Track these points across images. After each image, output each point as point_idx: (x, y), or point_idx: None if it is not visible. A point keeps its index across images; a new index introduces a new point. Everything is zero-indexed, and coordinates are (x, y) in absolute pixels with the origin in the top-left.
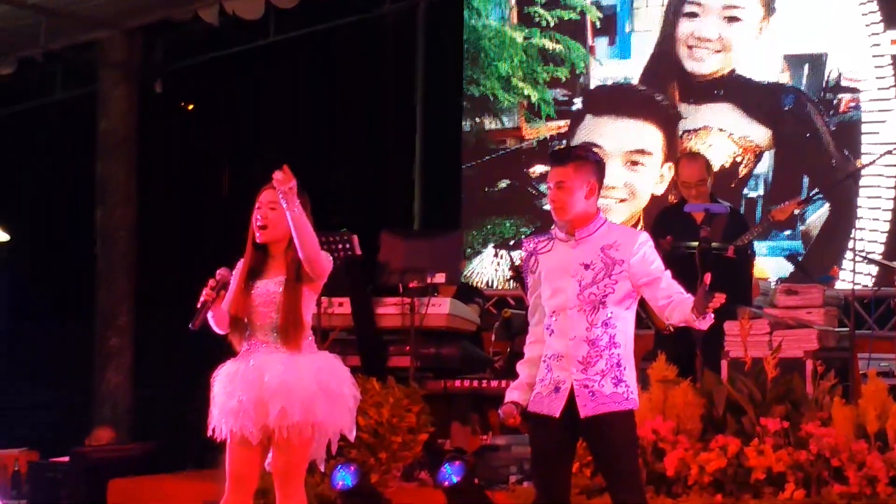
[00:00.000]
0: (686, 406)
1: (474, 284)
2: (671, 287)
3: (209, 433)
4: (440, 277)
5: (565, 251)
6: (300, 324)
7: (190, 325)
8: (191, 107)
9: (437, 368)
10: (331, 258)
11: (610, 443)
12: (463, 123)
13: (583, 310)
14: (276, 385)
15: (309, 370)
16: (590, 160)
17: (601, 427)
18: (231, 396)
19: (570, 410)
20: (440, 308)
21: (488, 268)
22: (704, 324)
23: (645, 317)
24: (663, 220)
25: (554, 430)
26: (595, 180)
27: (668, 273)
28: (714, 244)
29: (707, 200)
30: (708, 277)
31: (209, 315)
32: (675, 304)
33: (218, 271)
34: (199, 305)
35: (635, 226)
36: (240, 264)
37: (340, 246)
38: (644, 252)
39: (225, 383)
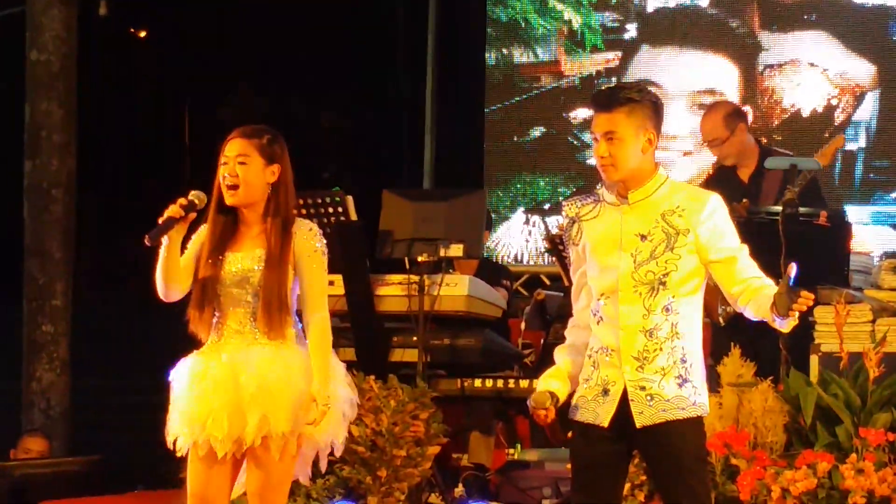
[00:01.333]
0: (766, 414)
1: (500, 259)
2: (749, 268)
3: (167, 445)
4: (457, 250)
5: (616, 218)
6: (285, 309)
7: (146, 239)
8: (143, 34)
9: (452, 364)
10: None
11: (672, 458)
12: (486, 55)
13: (638, 292)
14: (255, 387)
15: (297, 368)
16: (646, 102)
17: (661, 439)
18: (197, 400)
19: (623, 418)
20: (457, 288)
21: (517, 238)
22: (786, 325)
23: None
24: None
25: (602, 443)
26: (653, 128)
27: (746, 249)
28: (802, 209)
29: (740, 160)
30: (793, 269)
31: (161, 255)
32: (751, 295)
33: (192, 192)
34: (160, 221)
35: (704, 186)
36: (199, 234)
37: (331, 209)
38: (716, 220)
39: (188, 383)
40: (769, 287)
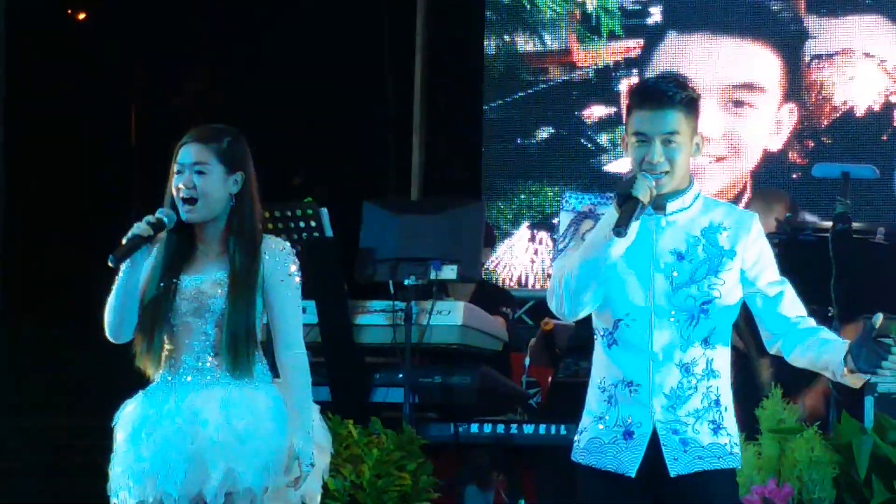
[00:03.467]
0: (812, 465)
1: (501, 283)
2: (795, 306)
3: (110, 502)
4: (450, 272)
5: (650, 229)
6: (252, 342)
7: (110, 258)
8: (82, 16)
9: (444, 406)
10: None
11: None
12: (485, 43)
13: (675, 318)
14: (218, 436)
15: (266, 411)
16: (698, 100)
17: (696, 491)
18: (147, 451)
19: (652, 467)
20: (450, 317)
21: (522, 257)
22: (858, 382)
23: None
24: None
25: (628, 495)
26: (698, 129)
27: (789, 283)
28: (856, 224)
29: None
30: (880, 319)
31: (119, 283)
32: (804, 338)
33: (160, 209)
34: (127, 240)
35: (739, 196)
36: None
37: (303, 224)
38: (762, 244)
39: (135, 431)
40: (827, 332)
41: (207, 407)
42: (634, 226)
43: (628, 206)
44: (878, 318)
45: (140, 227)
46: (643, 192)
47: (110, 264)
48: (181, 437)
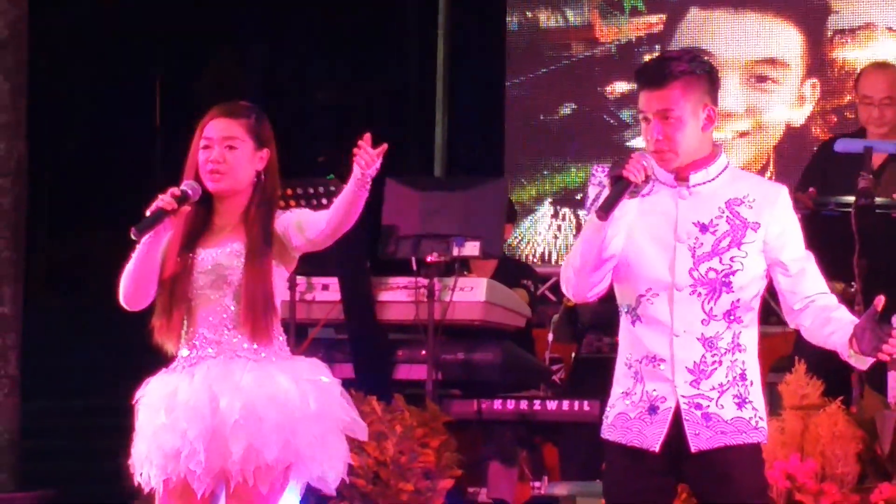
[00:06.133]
0: (836, 440)
1: (523, 259)
2: (817, 282)
3: (131, 480)
4: (473, 248)
5: (672, 202)
6: (271, 311)
7: (133, 231)
8: None
9: (467, 383)
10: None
11: (730, 491)
12: (507, 19)
13: (697, 293)
14: (239, 412)
15: (287, 383)
16: (702, 73)
17: (718, 467)
18: (169, 430)
19: (675, 442)
20: (472, 294)
21: (545, 234)
22: (865, 364)
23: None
24: (820, 163)
25: (649, 476)
26: (711, 101)
27: (813, 257)
28: (880, 199)
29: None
30: (881, 301)
31: (139, 253)
32: (819, 315)
33: (185, 182)
34: (150, 212)
35: (762, 172)
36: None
37: (325, 200)
38: (788, 217)
39: (156, 409)
40: (841, 311)
41: (227, 382)
42: (632, 202)
43: (617, 186)
44: (880, 303)
45: (164, 200)
46: (634, 171)
47: (133, 237)
48: (201, 414)
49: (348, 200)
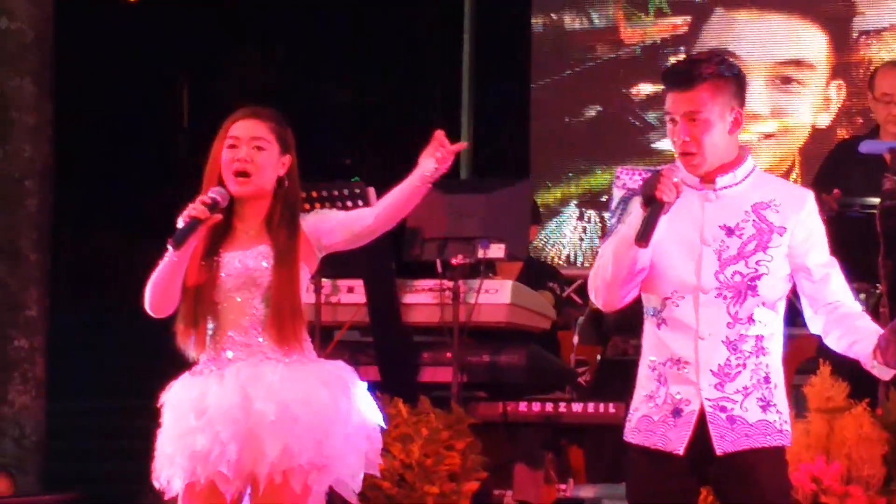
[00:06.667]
0: (861, 442)
1: (549, 261)
2: (840, 289)
3: (157, 484)
4: (498, 250)
5: (698, 205)
6: (299, 316)
7: (171, 244)
8: None
9: (492, 385)
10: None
11: (755, 494)
12: (533, 21)
13: (723, 296)
14: (274, 412)
15: (317, 384)
16: (730, 76)
17: (743, 470)
18: (199, 431)
19: (699, 445)
20: (498, 296)
21: (570, 236)
22: (886, 375)
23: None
24: (835, 163)
25: (674, 475)
26: (739, 105)
27: (837, 264)
28: None
29: None
30: None
31: (168, 262)
32: (842, 323)
33: (212, 189)
34: (185, 222)
35: (787, 174)
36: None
37: (350, 203)
38: (814, 222)
39: (184, 412)
40: (865, 319)
41: (259, 384)
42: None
43: (653, 209)
44: None
45: (197, 209)
46: (667, 191)
47: (172, 249)
48: (235, 415)
49: (407, 194)
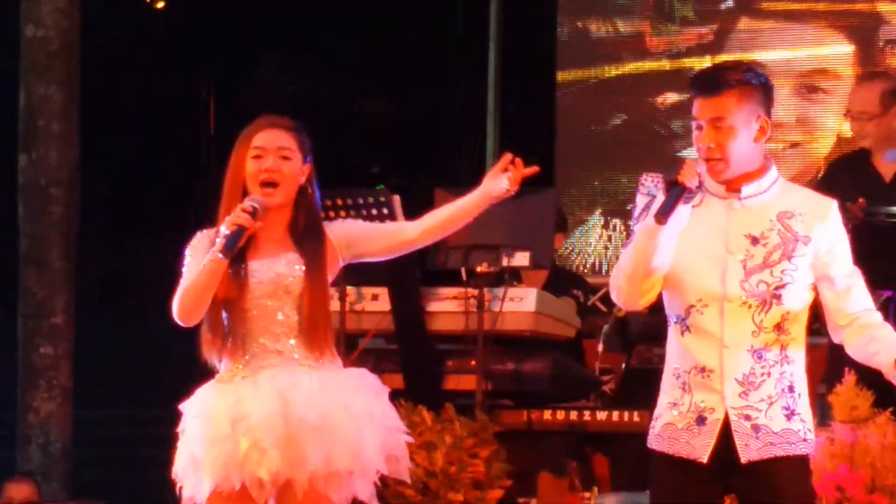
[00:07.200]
0: (886, 451)
1: (574, 269)
2: (862, 299)
3: (182, 493)
4: (523, 258)
5: (723, 213)
6: (329, 324)
7: (220, 254)
8: (160, 4)
9: (517, 393)
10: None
11: (778, 501)
12: (558, 29)
13: (748, 305)
14: (315, 418)
15: (351, 392)
16: (756, 84)
17: (767, 479)
18: (233, 439)
19: (724, 453)
20: (522, 304)
21: (595, 245)
22: None
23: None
24: (837, 173)
25: (698, 482)
26: (765, 113)
27: (860, 274)
28: None
29: (879, 145)
30: None
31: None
32: (864, 333)
33: (248, 198)
34: (229, 232)
35: (812, 183)
36: (199, 242)
37: (375, 211)
38: (838, 232)
39: (215, 419)
40: (886, 329)
41: (297, 390)
42: (685, 210)
43: (673, 192)
44: None
45: (242, 218)
46: (689, 176)
47: (222, 257)
48: (275, 421)
49: (465, 212)
